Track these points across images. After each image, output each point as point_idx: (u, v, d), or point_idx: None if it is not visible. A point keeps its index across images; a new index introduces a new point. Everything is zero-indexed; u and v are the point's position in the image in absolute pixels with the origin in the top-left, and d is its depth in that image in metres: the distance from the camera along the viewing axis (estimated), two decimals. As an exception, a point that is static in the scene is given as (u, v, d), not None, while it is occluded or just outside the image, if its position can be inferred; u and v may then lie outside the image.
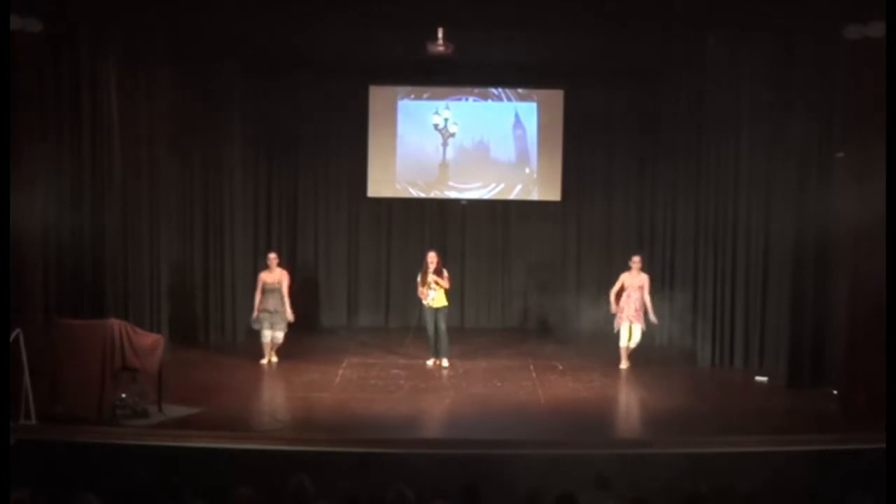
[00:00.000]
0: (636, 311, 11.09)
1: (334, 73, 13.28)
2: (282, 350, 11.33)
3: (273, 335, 11.15)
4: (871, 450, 7.13)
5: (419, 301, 11.44)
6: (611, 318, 11.43)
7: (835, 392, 9.42)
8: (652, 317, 11.14)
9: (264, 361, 11.16)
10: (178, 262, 12.30)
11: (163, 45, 10.89)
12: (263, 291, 11.16)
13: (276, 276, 11.21)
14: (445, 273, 11.32)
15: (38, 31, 9.26)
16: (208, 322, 12.58)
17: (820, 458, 7.59)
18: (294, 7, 9.96)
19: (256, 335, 11.29)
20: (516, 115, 13.82)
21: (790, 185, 10.30)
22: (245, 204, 13.11)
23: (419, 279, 11.38)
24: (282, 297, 11.12)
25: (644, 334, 11.22)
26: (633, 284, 11.16)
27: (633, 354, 11.22)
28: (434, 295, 11.21)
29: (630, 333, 11.13)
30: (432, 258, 11.32)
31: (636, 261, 11.28)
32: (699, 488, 5.64)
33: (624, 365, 11.14)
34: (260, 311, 11.14)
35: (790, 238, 10.32)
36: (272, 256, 11.42)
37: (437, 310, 11.24)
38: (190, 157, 12.35)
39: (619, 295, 11.23)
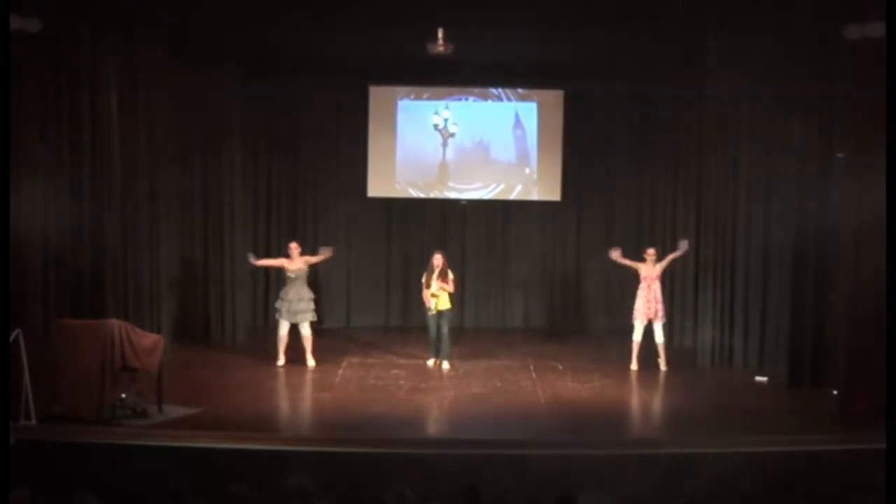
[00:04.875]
0: (656, 302, 10.91)
1: (334, 73, 13.27)
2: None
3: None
4: (871, 450, 7.13)
5: (422, 302, 11.39)
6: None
7: (835, 392, 9.42)
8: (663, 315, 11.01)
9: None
10: (178, 262, 12.32)
11: (163, 46, 10.88)
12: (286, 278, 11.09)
13: (298, 264, 11.07)
14: (451, 276, 11.22)
15: (38, 31, 9.26)
16: (208, 322, 12.57)
17: (820, 458, 7.59)
18: (294, 7, 9.97)
19: (256, 335, 11.25)
20: (516, 116, 13.82)
21: (790, 184, 10.30)
22: (245, 204, 13.11)
23: (424, 280, 11.30)
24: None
25: (647, 334, 11.12)
26: (650, 276, 10.95)
27: (647, 356, 11.07)
28: (436, 303, 11.08)
29: (645, 329, 10.94)
30: (438, 260, 11.18)
31: (651, 253, 11.07)
32: (699, 488, 5.65)
33: (634, 366, 10.96)
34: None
35: (790, 238, 10.32)
36: (293, 245, 11.23)
37: (440, 312, 11.14)
38: (190, 157, 12.36)
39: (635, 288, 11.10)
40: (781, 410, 9.38)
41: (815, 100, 9.92)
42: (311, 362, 11.07)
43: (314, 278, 11.92)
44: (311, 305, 11.04)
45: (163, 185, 11.43)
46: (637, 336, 11.03)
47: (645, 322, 11.00)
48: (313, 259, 11.24)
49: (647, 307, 10.95)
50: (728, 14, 10.13)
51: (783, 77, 10.26)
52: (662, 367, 11.01)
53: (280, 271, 11.27)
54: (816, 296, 10.03)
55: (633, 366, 11.01)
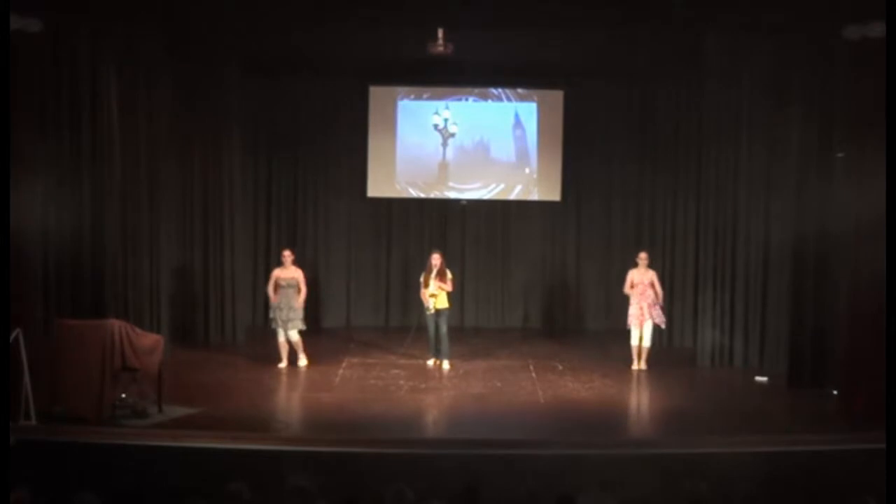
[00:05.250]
0: (649, 306, 10.99)
1: (334, 73, 13.28)
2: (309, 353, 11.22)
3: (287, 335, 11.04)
4: (871, 450, 7.13)
5: (420, 302, 11.41)
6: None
7: (835, 392, 9.42)
8: (660, 318, 11.07)
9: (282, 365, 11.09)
10: (178, 262, 12.32)
11: (163, 46, 10.89)
12: (277, 288, 11.09)
13: (290, 273, 11.11)
14: (449, 275, 11.25)
15: (38, 31, 9.26)
16: (208, 322, 12.57)
17: (820, 458, 7.59)
18: (294, 7, 9.96)
19: (256, 335, 11.25)
20: (516, 116, 13.82)
21: (790, 184, 10.30)
22: (245, 204, 13.11)
23: (422, 280, 11.33)
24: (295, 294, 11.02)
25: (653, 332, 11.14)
26: (643, 281, 11.04)
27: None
28: (434, 302, 11.09)
29: (641, 333, 11.02)
30: (436, 260, 11.23)
31: (643, 257, 11.19)
32: (699, 488, 5.65)
33: (636, 366, 11.01)
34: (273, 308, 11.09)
35: (790, 238, 10.32)
36: (287, 253, 11.31)
37: (438, 311, 11.16)
38: (190, 157, 12.36)
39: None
40: (781, 410, 9.39)
41: (815, 100, 9.92)
42: (302, 361, 11.08)
43: (314, 279, 11.90)
44: (300, 314, 11.02)
45: (162, 185, 11.43)
46: (634, 341, 11.08)
47: (640, 327, 11.03)
48: (302, 282, 11.13)
49: (641, 313, 10.98)
50: (728, 14, 10.12)
51: (783, 77, 10.27)
52: (642, 366, 11.01)
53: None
54: (816, 296, 10.03)
55: (635, 366, 11.03)
